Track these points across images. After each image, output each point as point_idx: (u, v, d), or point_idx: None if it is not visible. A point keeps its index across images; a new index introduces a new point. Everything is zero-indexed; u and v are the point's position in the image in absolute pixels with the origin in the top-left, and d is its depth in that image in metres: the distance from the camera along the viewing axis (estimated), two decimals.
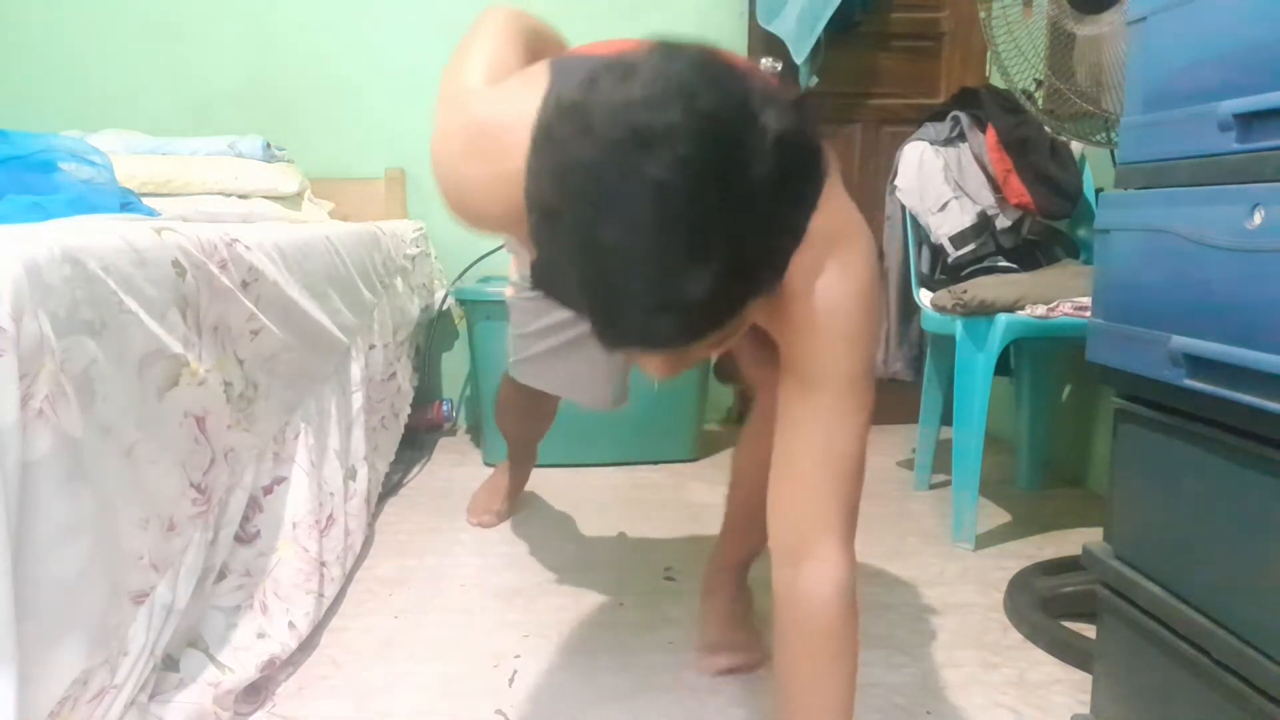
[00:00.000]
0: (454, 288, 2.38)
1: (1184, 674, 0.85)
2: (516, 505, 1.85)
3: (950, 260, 1.86)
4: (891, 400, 2.40)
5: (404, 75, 2.45)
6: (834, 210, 0.75)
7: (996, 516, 1.84)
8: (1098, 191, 1.85)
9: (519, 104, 0.65)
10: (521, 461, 1.82)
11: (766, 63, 2.45)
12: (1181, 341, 0.82)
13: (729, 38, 2.47)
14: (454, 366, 2.60)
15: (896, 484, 2.07)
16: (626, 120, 0.52)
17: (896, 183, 1.91)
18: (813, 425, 0.80)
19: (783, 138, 0.54)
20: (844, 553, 0.81)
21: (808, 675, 0.82)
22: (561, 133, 0.55)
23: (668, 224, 0.52)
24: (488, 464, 2.12)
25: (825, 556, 0.80)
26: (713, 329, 0.58)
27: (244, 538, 1.17)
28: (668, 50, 0.56)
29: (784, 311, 0.79)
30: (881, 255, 2.01)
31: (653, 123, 0.51)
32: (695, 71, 0.54)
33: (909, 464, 2.10)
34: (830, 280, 0.77)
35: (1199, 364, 0.81)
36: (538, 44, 0.90)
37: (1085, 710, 1.05)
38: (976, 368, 1.62)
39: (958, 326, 1.65)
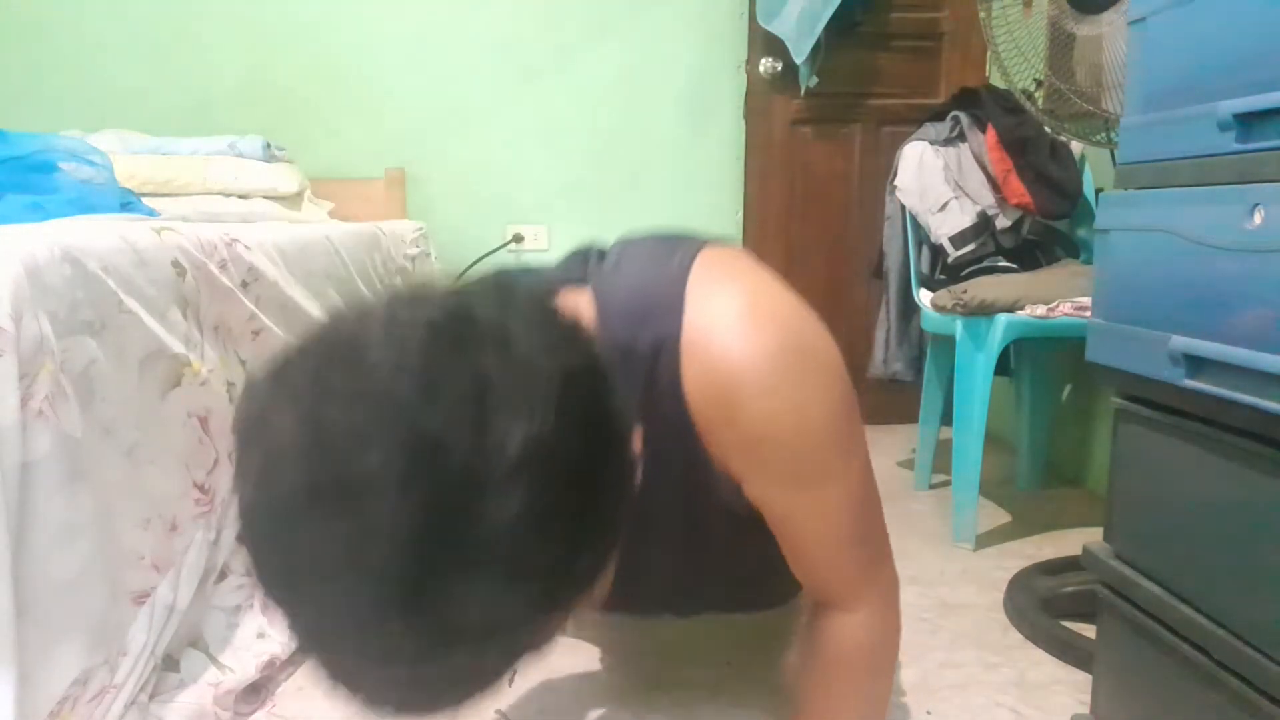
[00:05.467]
0: None
1: (1184, 674, 0.85)
2: None
3: (950, 260, 1.86)
4: (891, 400, 2.41)
5: (404, 75, 2.45)
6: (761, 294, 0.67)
7: (996, 516, 1.84)
8: (1098, 191, 1.85)
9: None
10: None
11: (766, 63, 2.45)
12: (1181, 341, 0.82)
13: (729, 38, 2.47)
14: None
15: (896, 484, 2.07)
16: (309, 468, 0.41)
17: (896, 183, 1.92)
18: (804, 521, 0.73)
19: (532, 454, 0.41)
20: (877, 607, 0.80)
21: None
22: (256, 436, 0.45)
23: (370, 613, 0.41)
24: None
25: (852, 608, 0.79)
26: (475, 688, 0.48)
27: None
28: (396, 330, 0.43)
29: (718, 445, 0.67)
30: (881, 255, 2.01)
31: (343, 476, 0.40)
32: (416, 379, 0.41)
33: (909, 464, 2.10)
34: (757, 406, 0.63)
35: (1199, 364, 0.81)
36: None
37: (1085, 710, 1.05)
38: (976, 368, 1.62)
39: (958, 326, 1.65)
